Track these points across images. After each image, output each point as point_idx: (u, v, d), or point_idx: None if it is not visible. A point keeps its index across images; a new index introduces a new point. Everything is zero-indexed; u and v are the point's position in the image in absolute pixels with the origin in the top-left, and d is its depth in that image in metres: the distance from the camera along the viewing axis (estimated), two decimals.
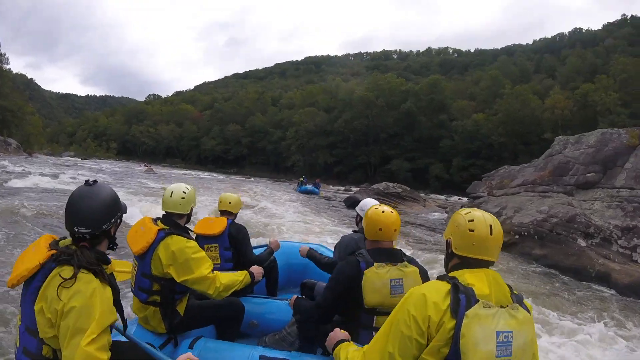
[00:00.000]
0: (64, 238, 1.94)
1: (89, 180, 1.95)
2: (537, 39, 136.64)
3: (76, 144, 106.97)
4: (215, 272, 2.80)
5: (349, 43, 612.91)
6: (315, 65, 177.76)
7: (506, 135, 59.33)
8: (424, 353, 1.57)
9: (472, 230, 1.69)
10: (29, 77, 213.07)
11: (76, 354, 1.58)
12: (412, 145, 68.73)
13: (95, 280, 1.72)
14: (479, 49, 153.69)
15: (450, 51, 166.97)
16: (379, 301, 2.44)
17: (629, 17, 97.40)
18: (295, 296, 3.09)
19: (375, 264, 2.47)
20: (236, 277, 2.97)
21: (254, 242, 4.49)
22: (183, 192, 2.95)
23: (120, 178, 29.40)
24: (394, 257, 2.57)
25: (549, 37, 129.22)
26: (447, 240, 1.82)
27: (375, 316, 2.47)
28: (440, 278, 1.69)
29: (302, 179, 36.19)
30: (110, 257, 1.96)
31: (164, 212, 2.97)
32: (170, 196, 2.92)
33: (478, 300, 1.54)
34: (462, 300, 1.54)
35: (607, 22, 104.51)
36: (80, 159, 61.72)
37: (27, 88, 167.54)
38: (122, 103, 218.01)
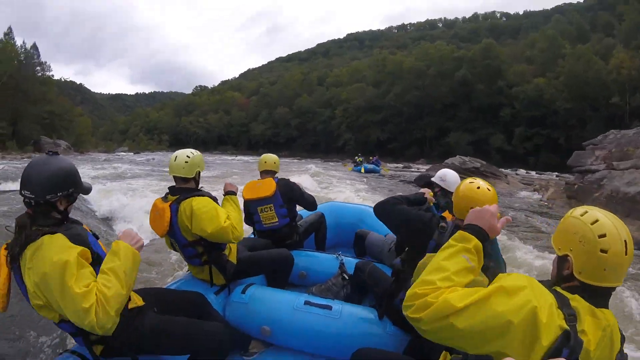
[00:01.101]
0: None
1: (49, 151, 1.98)
2: None
3: (129, 139, 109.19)
4: (227, 219, 2.81)
5: (390, 17, 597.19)
6: (358, 42, 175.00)
7: (572, 101, 54.89)
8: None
9: (605, 252, 1.28)
10: (79, 83, 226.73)
11: (74, 304, 1.71)
12: (470, 116, 65.38)
13: (43, 238, 1.80)
14: (528, 10, 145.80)
15: (498, 15, 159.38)
16: None
17: None
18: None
19: None
20: (233, 210, 2.98)
21: None
22: (187, 156, 2.94)
23: (156, 166, 28.64)
24: None
25: None
26: (562, 257, 1.40)
27: None
28: (560, 304, 1.28)
29: (358, 157, 33.43)
30: None
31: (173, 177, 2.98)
32: (175, 160, 2.93)
33: None
34: (564, 354, 1.23)
35: None
36: (132, 153, 62.84)
37: (77, 93, 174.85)
38: (170, 97, 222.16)
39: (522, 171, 41.75)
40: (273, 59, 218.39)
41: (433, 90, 68.29)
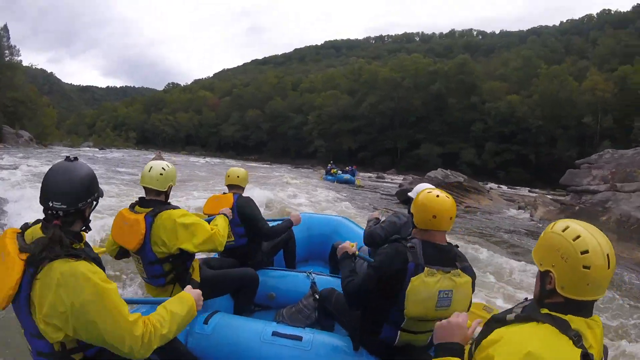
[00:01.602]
0: (27, 226, 1.81)
1: (69, 156, 1.90)
2: (564, 21, 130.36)
3: (96, 134, 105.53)
4: (212, 226, 2.82)
5: (370, 29, 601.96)
6: (335, 49, 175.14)
7: (544, 119, 56.18)
8: None
9: (588, 267, 1.27)
10: (49, 72, 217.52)
11: (120, 329, 1.63)
12: (442, 129, 65.74)
13: (82, 263, 1.65)
14: (504, 30, 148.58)
15: (474, 33, 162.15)
16: (421, 313, 2.17)
17: None
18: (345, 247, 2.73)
19: (425, 269, 2.12)
20: (222, 223, 2.99)
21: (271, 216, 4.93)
22: (162, 168, 2.82)
23: (113, 165, 26.03)
24: (447, 258, 2.22)
25: (576, 18, 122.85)
26: (544, 272, 1.38)
27: (405, 318, 2.24)
28: (562, 330, 1.28)
29: (332, 167, 29.87)
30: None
31: (143, 187, 2.88)
32: (149, 171, 2.81)
33: None
34: None
35: (637, 4, 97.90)
36: (97, 149, 60.36)
37: (46, 82, 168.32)
38: (142, 93, 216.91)
39: (493, 185, 41.55)
40: (249, 60, 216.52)
41: (407, 102, 68.35)
